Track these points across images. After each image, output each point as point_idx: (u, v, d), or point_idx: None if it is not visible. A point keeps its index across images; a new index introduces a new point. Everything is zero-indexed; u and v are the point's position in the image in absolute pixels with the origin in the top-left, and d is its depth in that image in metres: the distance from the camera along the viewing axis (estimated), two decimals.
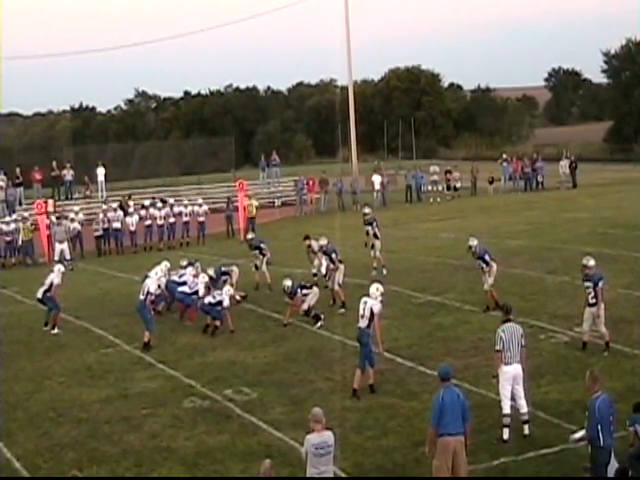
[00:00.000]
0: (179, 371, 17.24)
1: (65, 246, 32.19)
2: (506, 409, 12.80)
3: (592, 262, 16.69)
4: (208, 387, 16.04)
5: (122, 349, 19.37)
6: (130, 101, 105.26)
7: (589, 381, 10.74)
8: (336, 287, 21.80)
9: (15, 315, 24.07)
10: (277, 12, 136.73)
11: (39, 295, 21.85)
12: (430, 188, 48.16)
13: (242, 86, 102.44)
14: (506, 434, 12.71)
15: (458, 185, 48.07)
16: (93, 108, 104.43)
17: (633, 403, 10.95)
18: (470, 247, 20.55)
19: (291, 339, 19.05)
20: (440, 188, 48.31)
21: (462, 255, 25.97)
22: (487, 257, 20.15)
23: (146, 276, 20.68)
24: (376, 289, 15.70)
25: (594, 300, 16.31)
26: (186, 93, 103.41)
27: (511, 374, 12.84)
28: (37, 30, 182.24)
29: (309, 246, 24.40)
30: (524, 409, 12.91)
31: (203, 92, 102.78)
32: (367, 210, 26.55)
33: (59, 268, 22.25)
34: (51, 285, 21.62)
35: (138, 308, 19.55)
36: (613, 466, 10.41)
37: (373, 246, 25.54)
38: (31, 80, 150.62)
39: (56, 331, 21.24)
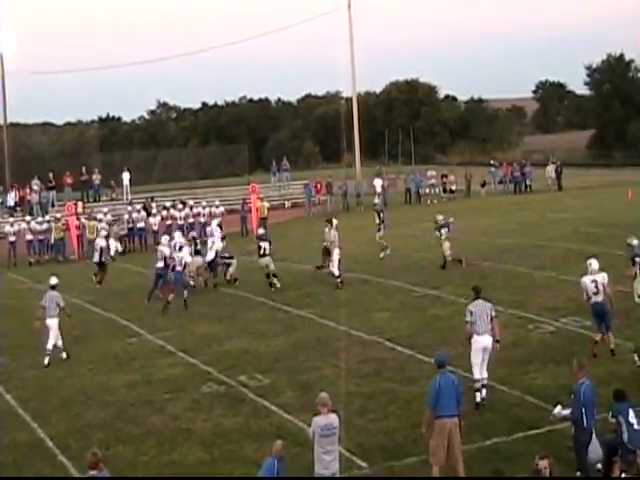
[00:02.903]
0: (198, 359, 17.26)
1: (115, 244, 32.60)
2: (477, 375, 13.35)
3: (635, 241, 17.48)
4: (224, 373, 16.05)
5: (146, 339, 19.40)
6: (152, 112, 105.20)
7: (576, 367, 10.74)
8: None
9: None
10: (287, 30, 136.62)
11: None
12: (428, 191, 48.08)
13: (255, 97, 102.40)
14: (478, 397, 13.29)
15: (454, 188, 47.99)
16: (119, 118, 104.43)
17: (613, 388, 10.94)
18: (435, 221, 24.75)
19: (300, 329, 19.05)
20: (437, 191, 48.21)
21: (457, 252, 25.96)
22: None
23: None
24: (592, 263, 15.69)
25: None
26: (204, 104, 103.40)
27: (482, 344, 13.36)
28: (69, 46, 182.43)
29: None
30: (485, 374, 13.41)
31: (219, 103, 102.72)
32: (377, 200, 30.21)
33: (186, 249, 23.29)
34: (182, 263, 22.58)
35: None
36: (594, 446, 10.43)
37: (379, 230, 27.20)
38: (63, 92, 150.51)
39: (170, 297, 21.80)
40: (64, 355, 18.08)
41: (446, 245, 24.58)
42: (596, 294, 15.41)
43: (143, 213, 36.40)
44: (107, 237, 29.93)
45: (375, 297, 21.76)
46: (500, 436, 12.15)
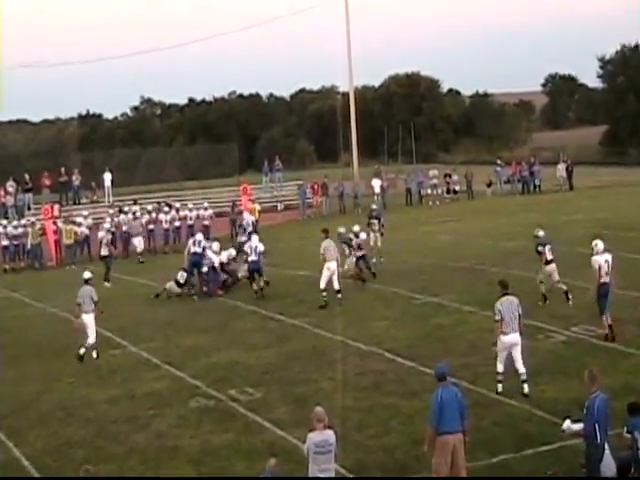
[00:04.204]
0: (185, 372, 17.25)
1: (139, 240, 33.92)
2: (499, 368, 14.32)
3: (542, 232, 19.65)
4: (213, 387, 16.05)
5: (129, 350, 19.39)
6: (136, 108, 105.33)
7: (588, 380, 10.72)
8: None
9: (24, 318, 24.09)
10: (279, 20, 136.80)
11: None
12: (430, 192, 48.17)
13: (245, 93, 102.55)
14: (499, 388, 14.28)
15: (457, 188, 48.09)
16: (100, 115, 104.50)
17: (627, 402, 10.95)
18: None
19: (294, 339, 19.06)
20: (440, 192, 48.32)
21: (461, 257, 26.07)
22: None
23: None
24: (597, 243, 17.12)
25: None
26: (190, 100, 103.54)
27: (509, 343, 14.22)
28: (44, 38, 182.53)
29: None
30: (522, 370, 14.24)
31: (207, 99, 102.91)
32: (374, 206, 29.62)
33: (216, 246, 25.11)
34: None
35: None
36: (607, 462, 10.43)
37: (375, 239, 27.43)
38: (39, 87, 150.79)
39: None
40: (94, 354, 18.71)
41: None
42: (607, 274, 16.73)
43: (130, 215, 36.33)
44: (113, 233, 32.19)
45: (373, 305, 21.78)
46: (507, 453, 12.14)
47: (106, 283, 27.08)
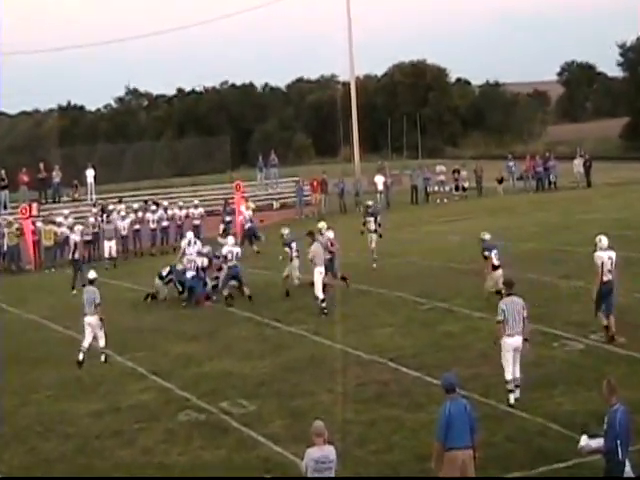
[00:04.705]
0: (173, 383, 17.23)
1: (113, 244, 33.68)
2: (508, 376, 14.38)
3: (487, 236, 20.77)
4: (204, 399, 16.03)
5: (113, 360, 19.36)
6: (120, 99, 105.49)
7: (606, 392, 10.68)
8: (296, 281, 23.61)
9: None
10: (275, 4, 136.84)
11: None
12: (437, 189, 48.20)
13: (238, 82, 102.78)
14: (512, 399, 14.29)
15: (466, 185, 48.12)
16: (82, 107, 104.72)
17: None
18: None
19: (291, 348, 19.05)
20: (447, 189, 48.35)
21: (470, 259, 26.01)
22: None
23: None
24: (601, 239, 17.27)
25: None
26: (179, 90, 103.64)
27: (512, 346, 14.38)
28: (22, 25, 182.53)
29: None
30: (517, 375, 14.46)
31: (197, 89, 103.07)
32: (370, 202, 29.20)
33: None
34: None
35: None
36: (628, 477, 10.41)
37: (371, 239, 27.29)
38: (16, 77, 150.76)
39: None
40: (103, 358, 19.01)
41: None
42: (610, 272, 16.97)
43: (114, 215, 36.33)
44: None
45: (376, 310, 21.78)
46: (521, 470, 12.13)
47: (73, 291, 27.12)
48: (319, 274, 21.88)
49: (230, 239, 24.93)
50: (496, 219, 36.84)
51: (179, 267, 24.61)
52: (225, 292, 23.72)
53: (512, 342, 14.35)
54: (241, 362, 18.30)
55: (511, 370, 14.38)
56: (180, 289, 24.48)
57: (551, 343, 17.62)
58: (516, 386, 14.43)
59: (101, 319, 19.13)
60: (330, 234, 23.77)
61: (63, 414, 16.04)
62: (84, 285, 19.37)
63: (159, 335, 21.14)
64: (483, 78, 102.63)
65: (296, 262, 23.84)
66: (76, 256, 28.79)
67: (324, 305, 21.65)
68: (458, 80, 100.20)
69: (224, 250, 24.03)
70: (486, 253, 20.96)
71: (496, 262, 20.84)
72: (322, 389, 16.09)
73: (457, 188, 48.13)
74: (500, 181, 48.76)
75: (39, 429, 15.36)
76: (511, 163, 50.37)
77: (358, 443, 13.45)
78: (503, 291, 15.40)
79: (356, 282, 24.56)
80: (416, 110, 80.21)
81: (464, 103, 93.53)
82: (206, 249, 25.29)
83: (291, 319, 21.41)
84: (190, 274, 24.01)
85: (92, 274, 19.72)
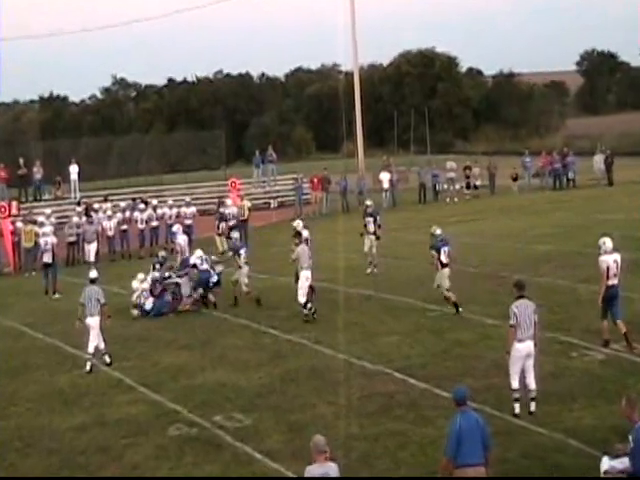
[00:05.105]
0: (163, 395, 17.24)
1: (93, 247, 34.01)
2: (515, 385, 14.49)
3: (439, 231, 21.40)
4: (196, 413, 16.03)
5: (98, 370, 19.36)
6: (107, 89, 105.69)
7: (627, 407, 10.64)
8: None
9: None
10: None
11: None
12: (446, 187, 48.20)
13: (234, 72, 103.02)
14: (517, 409, 14.37)
15: (478, 183, 48.12)
16: (65, 97, 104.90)
17: None
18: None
19: (290, 358, 19.05)
20: (458, 187, 48.35)
21: (483, 262, 26.07)
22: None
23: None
24: (606, 242, 17.76)
25: None
26: (170, 80, 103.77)
27: (524, 352, 14.49)
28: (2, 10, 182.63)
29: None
30: (532, 386, 14.54)
31: (189, 79, 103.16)
32: (369, 202, 28.88)
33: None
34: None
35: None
36: None
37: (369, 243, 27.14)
38: None
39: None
40: (107, 359, 19.32)
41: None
42: (616, 275, 17.32)
43: (100, 214, 36.35)
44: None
45: (381, 317, 21.80)
46: None
47: (55, 295, 27.64)
48: (305, 279, 21.99)
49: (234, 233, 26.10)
50: (510, 219, 36.85)
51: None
52: (195, 295, 24.27)
53: (523, 348, 14.45)
54: (236, 373, 18.30)
55: (518, 378, 14.47)
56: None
57: (569, 353, 17.63)
58: (532, 399, 14.46)
59: (109, 316, 19.61)
60: (305, 233, 24.14)
61: (45, 428, 16.04)
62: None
63: (148, 344, 21.15)
64: (496, 68, 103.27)
65: (245, 269, 23.95)
66: (46, 259, 28.92)
67: (307, 311, 21.76)
68: (469, 70, 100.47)
69: (192, 259, 24.70)
70: (439, 248, 21.34)
71: (444, 260, 21.26)
72: (323, 402, 16.09)
73: (468, 186, 48.13)
74: (515, 178, 48.76)
75: (18, 444, 15.35)
76: (527, 159, 50.26)
77: (362, 460, 13.45)
78: (514, 291, 15.03)
79: (359, 286, 24.57)
80: (424, 102, 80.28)
81: (476, 94, 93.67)
82: (219, 267, 25.05)
83: (290, 327, 21.41)
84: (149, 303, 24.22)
85: (93, 273, 20.08)
